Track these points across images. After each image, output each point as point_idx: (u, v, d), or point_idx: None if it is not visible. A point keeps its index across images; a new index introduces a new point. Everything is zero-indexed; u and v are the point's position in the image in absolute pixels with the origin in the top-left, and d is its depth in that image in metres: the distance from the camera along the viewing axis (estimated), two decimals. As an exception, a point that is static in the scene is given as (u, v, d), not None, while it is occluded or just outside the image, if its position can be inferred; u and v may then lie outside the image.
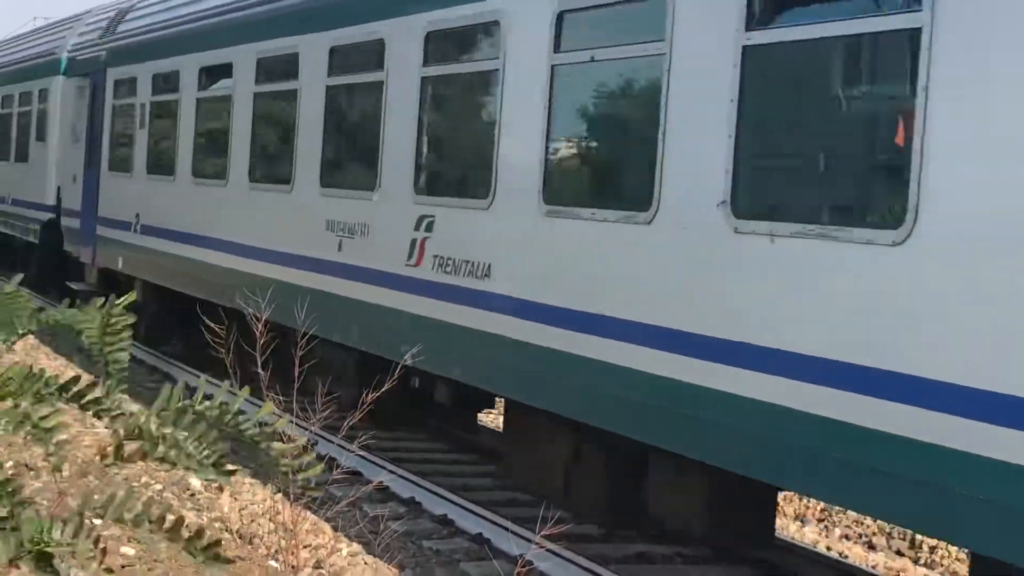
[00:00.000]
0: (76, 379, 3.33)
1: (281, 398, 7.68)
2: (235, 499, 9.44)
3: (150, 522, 2.98)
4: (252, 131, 13.69)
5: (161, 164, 16.73)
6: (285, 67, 13.11)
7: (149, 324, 16.75)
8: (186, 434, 3.14)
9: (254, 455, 3.27)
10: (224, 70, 14.68)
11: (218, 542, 3.02)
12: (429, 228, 10.10)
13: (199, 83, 15.34)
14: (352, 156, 12.21)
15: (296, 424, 7.43)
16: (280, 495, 8.24)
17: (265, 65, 13.60)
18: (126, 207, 17.65)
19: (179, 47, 16.07)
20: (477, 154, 9.83)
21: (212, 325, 8.77)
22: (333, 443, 9.15)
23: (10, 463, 5.05)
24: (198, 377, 10.16)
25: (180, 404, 3.19)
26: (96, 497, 3.09)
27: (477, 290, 9.42)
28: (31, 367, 3.29)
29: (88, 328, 3.48)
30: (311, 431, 8.09)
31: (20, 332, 3.49)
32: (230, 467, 3.17)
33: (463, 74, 10.29)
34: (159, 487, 9.06)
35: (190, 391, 3.47)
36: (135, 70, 17.71)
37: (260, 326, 7.70)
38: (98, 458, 3.52)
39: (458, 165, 10.53)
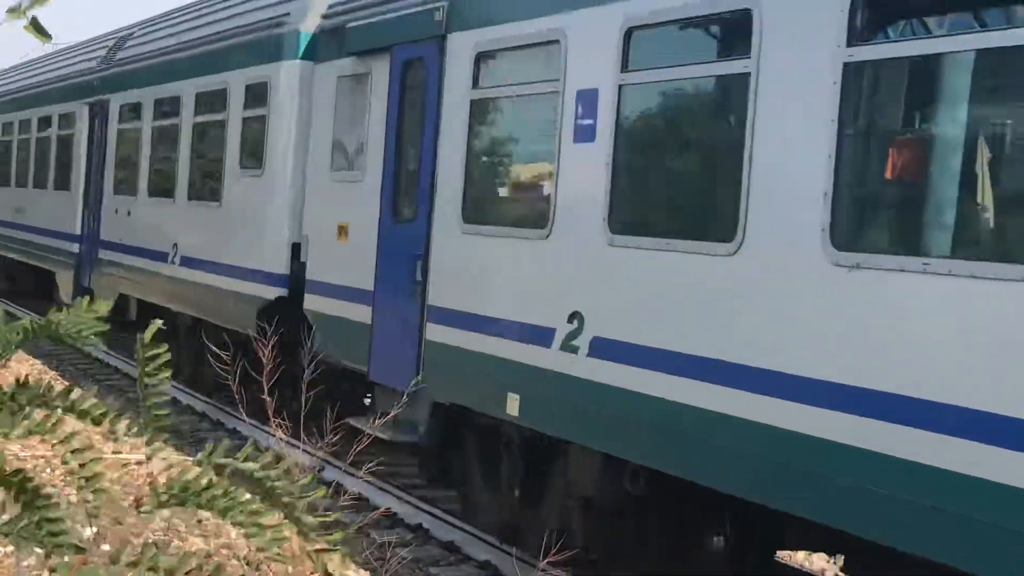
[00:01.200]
0: (75, 391, 3.33)
1: (288, 424, 8.25)
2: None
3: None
4: None
5: (678, 213, 8.05)
6: None
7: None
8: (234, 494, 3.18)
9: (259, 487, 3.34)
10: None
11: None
12: None
13: (856, 25, 6.57)
14: None
15: (304, 451, 8.36)
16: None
17: None
18: (542, 296, 8.85)
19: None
20: None
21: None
22: (340, 469, 9.06)
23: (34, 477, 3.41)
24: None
25: (222, 459, 3.23)
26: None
27: None
28: (19, 377, 3.33)
29: (86, 331, 3.42)
30: (317, 456, 8.27)
31: (13, 347, 3.44)
32: (286, 533, 3.20)
33: None
34: (166, 512, 7.94)
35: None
36: (550, 25, 8.97)
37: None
38: (134, 506, 3.74)
39: None
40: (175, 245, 15.80)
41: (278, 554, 3.12)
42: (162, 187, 16.68)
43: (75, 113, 20.86)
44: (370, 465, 8.57)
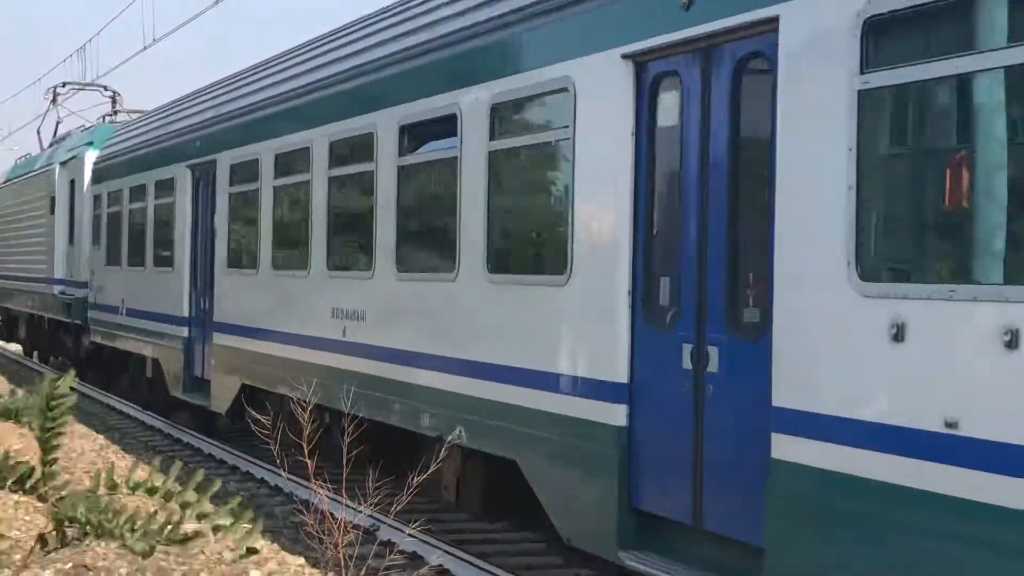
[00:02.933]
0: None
1: (329, 485, 8.03)
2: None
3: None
4: None
5: None
6: None
7: None
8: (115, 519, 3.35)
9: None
10: None
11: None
12: None
13: None
14: None
15: (348, 507, 7.95)
16: None
17: None
18: None
19: None
20: None
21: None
22: (386, 523, 9.42)
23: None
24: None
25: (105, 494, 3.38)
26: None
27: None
28: None
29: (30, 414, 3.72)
30: (367, 513, 8.16)
31: None
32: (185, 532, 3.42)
33: None
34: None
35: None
36: None
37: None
38: (38, 546, 3.62)
39: None
40: None
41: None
42: None
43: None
44: (417, 522, 8.55)
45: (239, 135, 15.72)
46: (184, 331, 17.79)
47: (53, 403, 3.56)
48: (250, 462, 14.96)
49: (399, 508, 8.07)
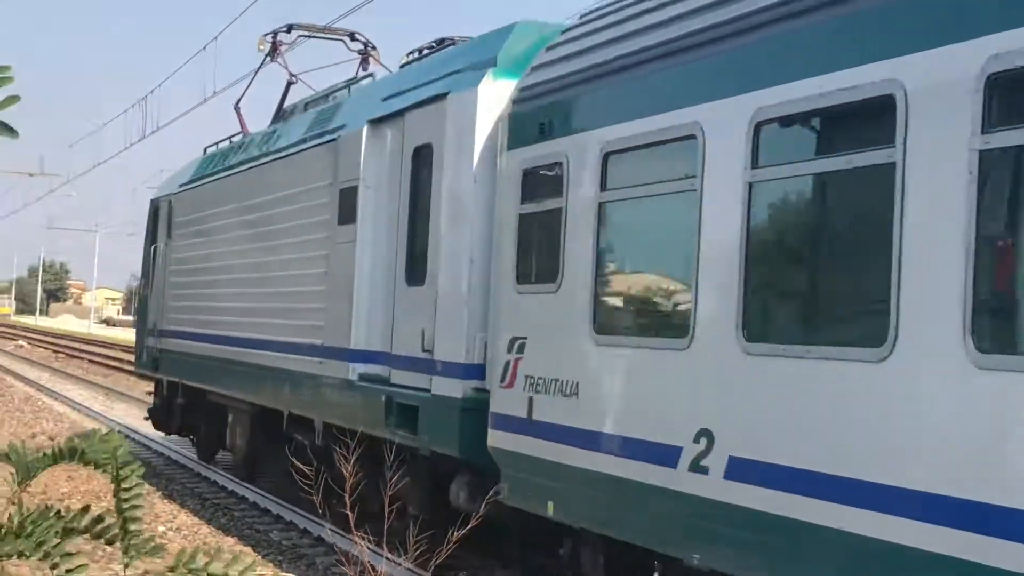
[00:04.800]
0: (97, 516, 3.50)
1: (371, 537, 8.50)
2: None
3: None
4: None
5: None
6: None
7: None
8: None
9: None
10: None
11: None
12: None
13: None
14: None
15: (389, 560, 8.42)
16: None
17: None
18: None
19: None
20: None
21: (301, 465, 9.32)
22: None
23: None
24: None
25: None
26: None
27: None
28: (47, 505, 3.49)
29: (104, 458, 3.58)
30: (405, 566, 8.51)
31: (32, 474, 3.61)
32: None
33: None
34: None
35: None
36: None
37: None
38: None
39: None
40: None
41: None
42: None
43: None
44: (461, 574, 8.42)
45: None
46: None
47: (122, 474, 3.41)
48: (293, 511, 15.16)
49: (439, 561, 8.46)
